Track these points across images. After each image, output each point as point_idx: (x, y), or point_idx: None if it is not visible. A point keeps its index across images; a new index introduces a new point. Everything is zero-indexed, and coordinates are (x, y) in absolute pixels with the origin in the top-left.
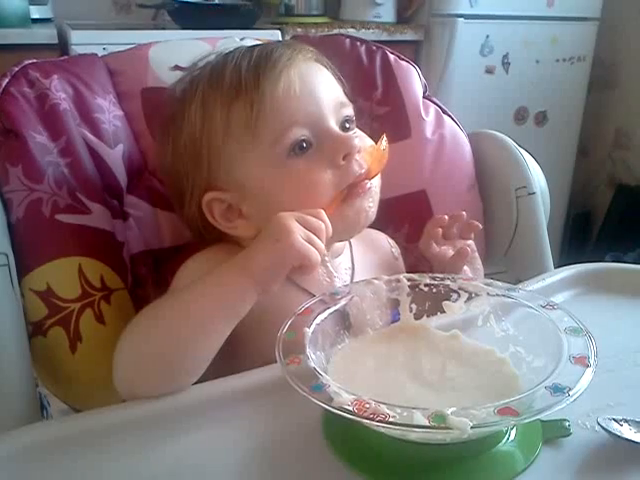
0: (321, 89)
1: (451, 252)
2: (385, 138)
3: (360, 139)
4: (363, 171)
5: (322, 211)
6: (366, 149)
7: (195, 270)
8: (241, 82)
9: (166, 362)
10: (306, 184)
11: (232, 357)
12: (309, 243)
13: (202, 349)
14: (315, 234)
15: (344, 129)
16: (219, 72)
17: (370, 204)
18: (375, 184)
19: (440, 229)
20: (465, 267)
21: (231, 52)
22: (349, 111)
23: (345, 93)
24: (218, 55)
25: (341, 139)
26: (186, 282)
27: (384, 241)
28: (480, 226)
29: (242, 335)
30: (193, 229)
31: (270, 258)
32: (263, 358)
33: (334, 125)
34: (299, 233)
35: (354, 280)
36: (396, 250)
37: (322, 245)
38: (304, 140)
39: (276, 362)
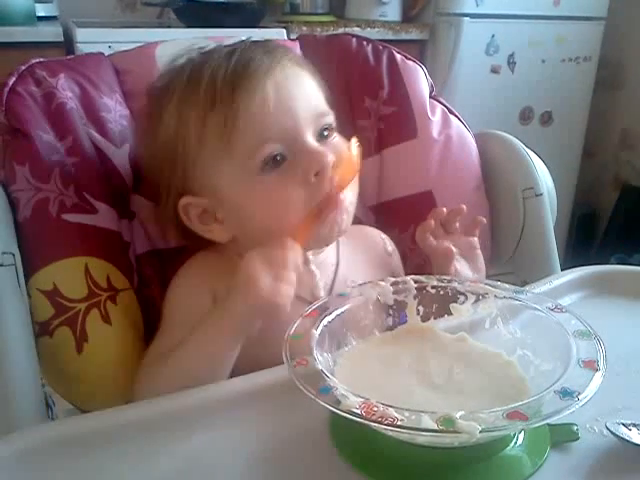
0: (299, 101)
1: (451, 247)
2: (355, 144)
3: (336, 151)
4: (334, 189)
5: (287, 240)
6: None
7: (182, 301)
8: (216, 95)
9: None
10: (277, 200)
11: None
12: (278, 281)
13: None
14: (282, 270)
15: (322, 138)
16: (195, 80)
17: (344, 216)
18: (349, 195)
19: (432, 221)
20: (465, 264)
21: (210, 54)
22: (328, 119)
23: (326, 99)
24: (198, 54)
25: (314, 155)
26: (176, 310)
27: (377, 237)
28: (484, 221)
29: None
30: (169, 229)
31: (243, 312)
32: (260, 366)
33: (310, 139)
34: (264, 281)
35: (337, 276)
36: (391, 246)
37: (293, 278)
38: (277, 155)
39: (281, 364)
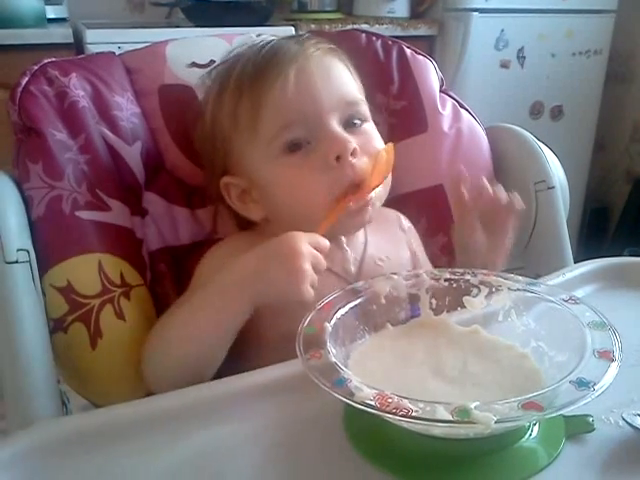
0: (323, 86)
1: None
2: (390, 145)
3: (365, 139)
4: (356, 175)
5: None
6: (371, 156)
7: (213, 265)
8: (244, 82)
9: (184, 362)
10: (298, 183)
11: (254, 342)
12: (314, 263)
13: (212, 348)
14: (321, 263)
15: (350, 126)
16: (231, 69)
17: (368, 209)
18: (377, 192)
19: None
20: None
21: (251, 46)
22: (359, 108)
23: (360, 89)
24: (247, 46)
25: (335, 140)
26: (206, 276)
27: (392, 214)
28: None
29: (266, 318)
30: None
31: (273, 279)
32: (285, 342)
33: (333, 124)
34: (307, 263)
35: (366, 253)
36: (406, 222)
37: (324, 263)
38: (298, 139)
39: (296, 354)
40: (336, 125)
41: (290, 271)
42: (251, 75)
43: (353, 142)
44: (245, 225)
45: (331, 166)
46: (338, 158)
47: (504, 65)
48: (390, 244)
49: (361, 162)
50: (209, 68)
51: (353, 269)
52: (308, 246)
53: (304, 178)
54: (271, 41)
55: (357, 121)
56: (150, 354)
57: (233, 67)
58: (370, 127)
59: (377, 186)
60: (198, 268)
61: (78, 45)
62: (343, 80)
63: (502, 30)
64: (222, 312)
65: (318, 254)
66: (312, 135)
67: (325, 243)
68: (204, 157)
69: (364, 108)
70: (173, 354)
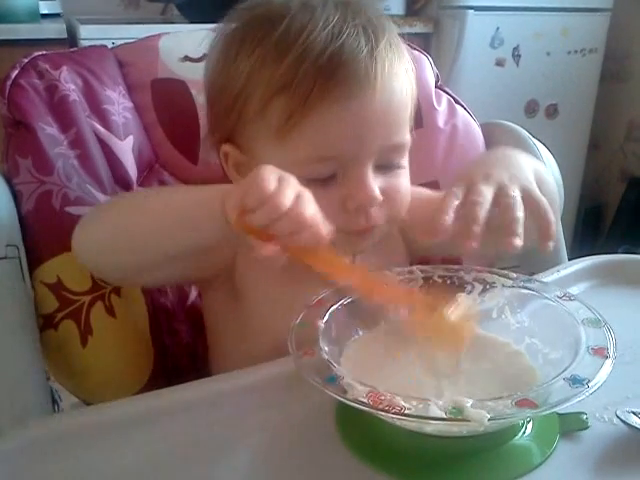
0: (379, 130)
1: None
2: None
3: (392, 185)
4: (368, 225)
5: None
6: (391, 205)
7: None
8: (293, 82)
9: (119, 242)
10: None
11: (244, 339)
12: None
13: (151, 242)
14: (294, 210)
15: (385, 167)
16: (284, 47)
17: (365, 243)
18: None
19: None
20: None
21: (314, 18)
22: (402, 150)
23: (413, 97)
24: (302, 6)
25: (363, 189)
26: None
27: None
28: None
29: (256, 314)
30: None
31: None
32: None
33: (368, 169)
34: (281, 177)
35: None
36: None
37: (283, 209)
38: (328, 174)
39: (289, 353)
40: (370, 171)
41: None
42: (310, 73)
43: (379, 196)
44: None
45: (347, 210)
46: (357, 207)
47: (499, 63)
48: (381, 255)
49: (376, 211)
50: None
51: None
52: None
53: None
54: (342, 31)
55: (394, 159)
56: (84, 220)
57: (289, 41)
58: (403, 171)
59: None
60: None
61: (72, 41)
62: (402, 115)
63: (497, 28)
64: (181, 203)
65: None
66: (341, 172)
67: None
68: (212, 109)
69: (405, 151)
70: (110, 220)
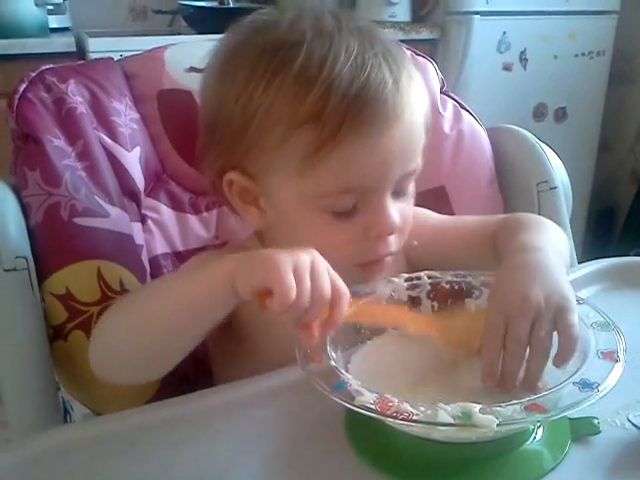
0: (402, 159)
1: None
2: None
3: (404, 212)
4: (387, 252)
5: (346, 295)
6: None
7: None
8: (322, 115)
9: (135, 347)
10: (328, 241)
11: (244, 357)
12: (297, 282)
13: (174, 342)
14: (315, 291)
15: (398, 194)
16: (308, 80)
17: (381, 274)
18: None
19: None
20: None
21: (334, 47)
22: (415, 172)
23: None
24: (316, 33)
25: (384, 218)
26: None
27: None
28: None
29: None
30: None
31: (254, 260)
32: (277, 356)
33: (387, 197)
34: (296, 263)
35: None
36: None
37: (306, 300)
38: (351, 206)
39: (295, 362)
40: (389, 198)
41: (285, 251)
42: (338, 107)
43: (398, 222)
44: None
45: (368, 238)
46: (378, 235)
47: (507, 68)
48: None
49: (393, 239)
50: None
51: None
52: (323, 260)
53: (337, 240)
54: (365, 62)
55: (405, 192)
56: (94, 337)
57: (311, 70)
58: (411, 197)
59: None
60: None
61: (81, 54)
62: (420, 142)
63: (504, 33)
64: (190, 288)
65: (325, 272)
66: (364, 202)
67: (346, 291)
68: (213, 136)
69: (418, 170)
70: (120, 338)
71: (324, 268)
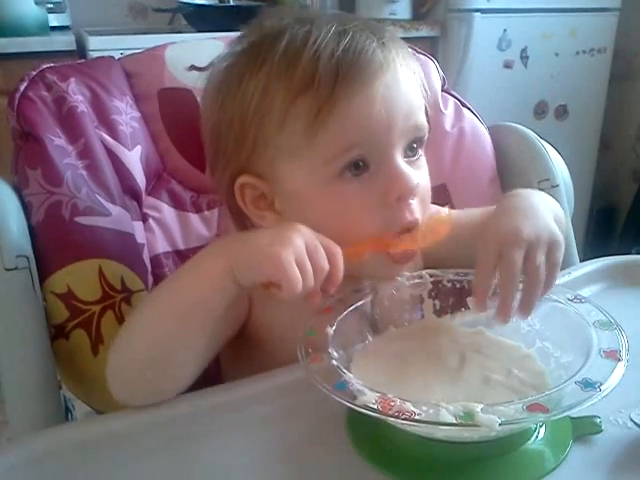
0: (401, 110)
1: None
2: (446, 210)
3: (421, 175)
4: (413, 219)
5: (339, 253)
6: (421, 196)
7: None
8: (314, 79)
9: (151, 364)
10: (348, 213)
11: (249, 359)
12: (300, 269)
13: (184, 344)
14: (315, 269)
15: (410, 153)
16: (295, 54)
17: (405, 271)
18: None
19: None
20: None
21: (315, 27)
22: (422, 133)
23: (426, 107)
24: (297, 21)
25: (400, 176)
26: None
27: None
28: None
29: (265, 318)
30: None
31: (253, 257)
32: (285, 355)
33: (399, 154)
34: (295, 252)
35: None
36: None
37: (311, 282)
38: (360, 161)
39: (297, 361)
40: (401, 157)
41: (277, 235)
42: (328, 71)
43: (415, 182)
44: (244, 225)
45: (389, 205)
46: (398, 198)
47: (507, 65)
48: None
49: (415, 205)
50: (239, 34)
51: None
52: (312, 233)
53: (357, 210)
54: (347, 29)
55: (416, 145)
56: (111, 361)
57: (297, 50)
58: (423, 159)
59: (426, 245)
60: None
61: (81, 52)
62: (418, 99)
63: (505, 30)
64: (192, 290)
65: (319, 245)
66: (373, 159)
67: (336, 248)
68: (218, 143)
69: (425, 132)
70: (134, 357)
71: (315, 241)
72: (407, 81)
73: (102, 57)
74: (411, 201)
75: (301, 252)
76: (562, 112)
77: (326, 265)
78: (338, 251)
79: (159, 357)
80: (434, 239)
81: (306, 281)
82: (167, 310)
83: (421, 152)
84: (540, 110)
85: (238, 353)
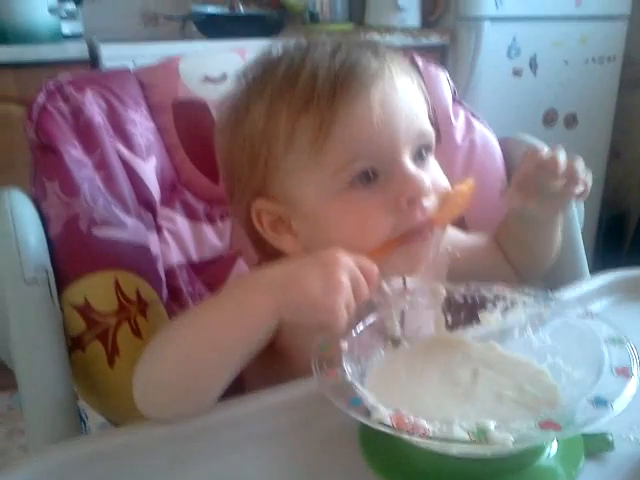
0: (403, 117)
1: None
2: (470, 183)
3: (433, 176)
4: (425, 219)
5: (375, 271)
6: (439, 193)
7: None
8: (314, 94)
9: (180, 385)
10: (362, 221)
11: (275, 362)
12: (347, 307)
13: (216, 371)
14: (357, 301)
15: (419, 159)
16: (293, 75)
17: (428, 252)
18: (439, 232)
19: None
20: None
21: (311, 49)
22: (428, 139)
23: (429, 114)
24: (298, 46)
25: (410, 180)
26: None
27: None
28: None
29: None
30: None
31: (306, 303)
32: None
33: (407, 159)
34: (346, 298)
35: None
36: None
37: (366, 290)
38: (369, 171)
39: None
40: (410, 162)
41: (328, 280)
42: (325, 87)
43: (427, 182)
44: (263, 249)
45: (401, 208)
46: (409, 200)
47: (517, 73)
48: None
49: (430, 203)
50: (245, 64)
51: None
52: (351, 262)
53: (370, 217)
54: (341, 46)
55: (425, 152)
56: (139, 373)
57: (295, 71)
58: (434, 161)
59: (444, 222)
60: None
61: (93, 60)
62: (419, 106)
63: (514, 38)
64: (235, 326)
65: (360, 275)
66: (383, 168)
67: (373, 267)
68: (232, 173)
69: (432, 138)
70: (163, 375)
71: (357, 272)
72: (405, 87)
73: (117, 69)
74: (424, 203)
75: (350, 294)
76: (571, 120)
77: (367, 293)
78: (375, 270)
79: (191, 378)
80: (452, 212)
81: (349, 314)
82: (206, 338)
83: (431, 158)
84: (549, 118)
85: (264, 363)
